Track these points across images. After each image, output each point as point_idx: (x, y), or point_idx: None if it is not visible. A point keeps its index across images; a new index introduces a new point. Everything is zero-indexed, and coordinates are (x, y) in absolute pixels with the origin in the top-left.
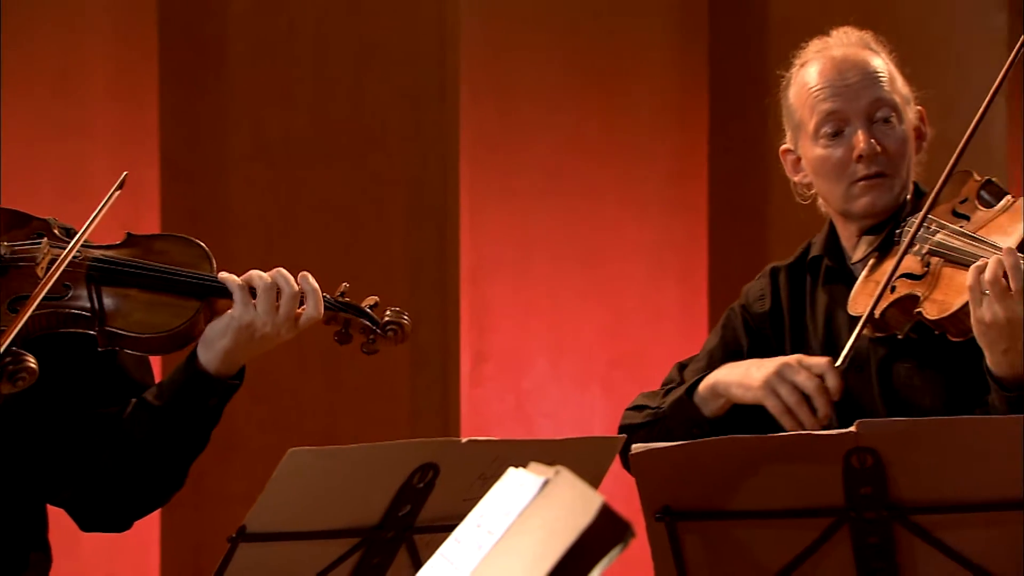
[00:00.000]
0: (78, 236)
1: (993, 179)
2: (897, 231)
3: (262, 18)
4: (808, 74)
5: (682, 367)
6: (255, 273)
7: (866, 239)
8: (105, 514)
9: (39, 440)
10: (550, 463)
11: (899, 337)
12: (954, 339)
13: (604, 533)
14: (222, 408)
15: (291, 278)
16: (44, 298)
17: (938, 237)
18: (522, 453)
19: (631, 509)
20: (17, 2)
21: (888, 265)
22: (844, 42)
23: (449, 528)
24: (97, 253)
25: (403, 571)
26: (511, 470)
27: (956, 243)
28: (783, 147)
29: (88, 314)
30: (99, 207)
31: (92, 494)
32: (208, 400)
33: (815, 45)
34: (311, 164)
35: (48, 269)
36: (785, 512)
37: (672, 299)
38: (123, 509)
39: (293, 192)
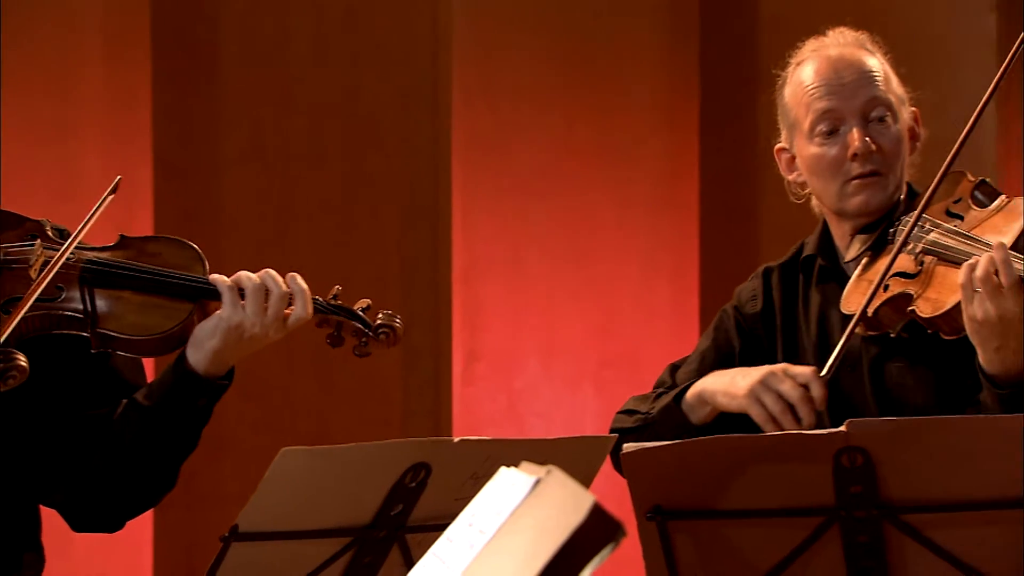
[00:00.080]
0: (71, 239)
1: (987, 180)
2: (891, 230)
3: (255, 19)
4: (804, 73)
5: (674, 368)
6: (244, 274)
7: (859, 238)
8: (97, 515)
9: (31, 441)
10: (542, 463)
11: (892, 336)
12: (947, 337)
13: (595, 532)
14: (211, 408)
15: (279, 279)
16: (37, 300)
17: (932, 236)
18: (514, 453)
19: (622, 508)
20: (15, 4)
21: (881, 264)
22: (840, 42)
23: (441, 527)
24: (90, 255)
25: (395, 570)
26: (503, 469)
27: (950, 242)
28: (778, 146)
29: (81, 316)
30: (92, 211)
31: (84, 495)
32: (197, 400)
33: (811, 44)
34: (304, 164)
35: (41, 271)
36: (776, 511)
37: (663, 299)
38: (115, 510)
39: (286, 192)
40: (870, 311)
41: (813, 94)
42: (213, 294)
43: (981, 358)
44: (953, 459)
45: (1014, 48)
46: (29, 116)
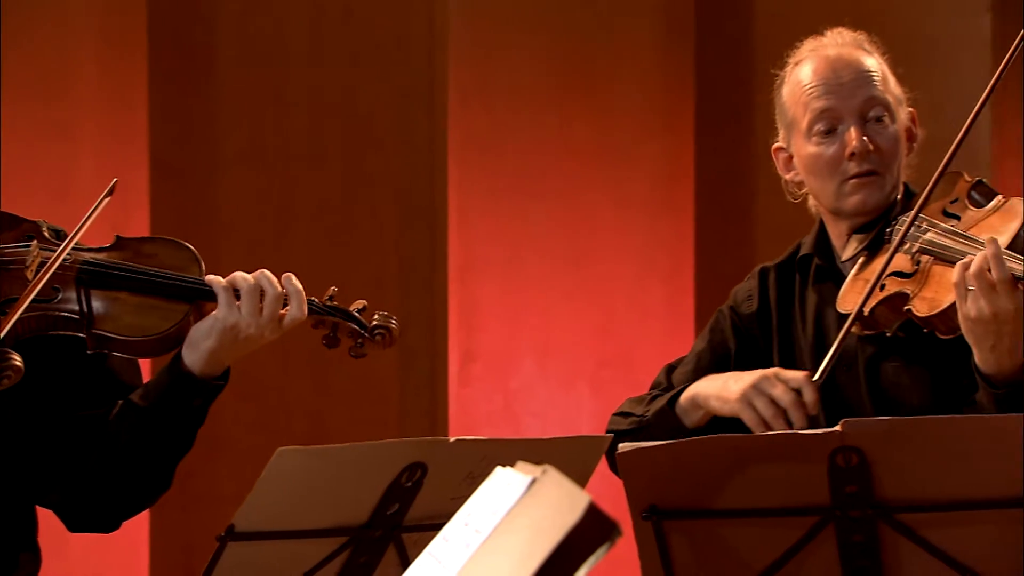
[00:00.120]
0: (67, 241)
1: (984, 180)
2: (887, 230)
3: (252, 20)
4: (802, 72)
5: (670, 369)
6: (239, 275)
7: (856, 237)
8: (93, 515)
9: (27, 442)
10: (537, 462)
11: (888, 335)
12: (943, 336)
13: (591, 532)
14: (207, 408)
15: (275, 279)
16: (33, 300)
17: (928, 236)
18: (510, 452)
19: (618, 508)
20: (12, 5)
21: (878, 263)
22: (838, 42)
23: (437, 527)
24: (87, 256)
25: (391, 570)
26: (499, 469)
27: (946, 241)
28: (775, 145)
29: (77, 317)
30: (88, 213)
31: (80, 495)
32: (193, 401)
33: (809, 44)
34: (301, 165)
35: (37, 272)
36: (771, 511)
37: (659, 299)
38: (111, 510)
39: (283, 193)
40: (866, 310)
41: (811, 93)
42: (209, 295)
43: (976, 357)
44: (948, 459)
45: (1011, 49)
46: (26, 117)
